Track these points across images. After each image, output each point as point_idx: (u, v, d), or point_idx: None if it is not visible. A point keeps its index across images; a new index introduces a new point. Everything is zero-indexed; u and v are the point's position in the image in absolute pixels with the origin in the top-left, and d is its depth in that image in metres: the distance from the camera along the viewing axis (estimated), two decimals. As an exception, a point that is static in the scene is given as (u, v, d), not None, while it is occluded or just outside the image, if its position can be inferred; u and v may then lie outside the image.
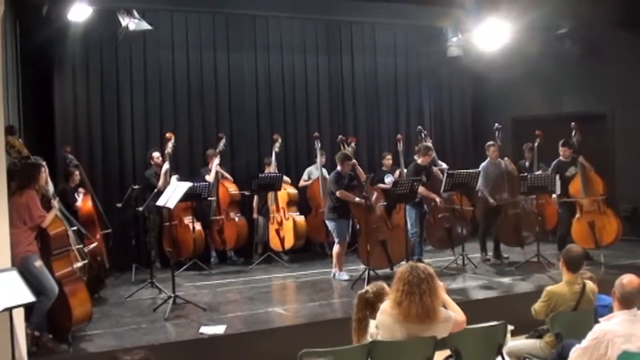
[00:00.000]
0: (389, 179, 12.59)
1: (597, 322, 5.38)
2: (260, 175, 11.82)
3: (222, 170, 12.06)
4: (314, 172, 12.68)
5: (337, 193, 10.16)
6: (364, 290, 5.44)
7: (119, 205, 10.61)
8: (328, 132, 13.48)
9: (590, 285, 6.32)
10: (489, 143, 11.72)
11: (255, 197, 12.41)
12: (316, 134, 12.63)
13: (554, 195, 11.16)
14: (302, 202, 12.62)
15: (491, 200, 11.34)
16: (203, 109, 12.71)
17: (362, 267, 10.14)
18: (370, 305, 5.27)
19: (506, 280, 10.15)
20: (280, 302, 9.48)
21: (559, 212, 11.83)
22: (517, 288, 9.66)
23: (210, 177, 11.73)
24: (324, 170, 12.34)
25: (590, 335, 5.05)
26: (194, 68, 12.65)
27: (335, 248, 10.42)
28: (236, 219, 12.07)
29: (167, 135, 11.19)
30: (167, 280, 9.08)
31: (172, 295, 8.68)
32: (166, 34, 12.40)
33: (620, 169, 13.65)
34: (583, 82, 13.90)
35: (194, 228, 10.92)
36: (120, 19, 10.68)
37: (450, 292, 5.32)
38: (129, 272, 10.92)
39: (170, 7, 11.75)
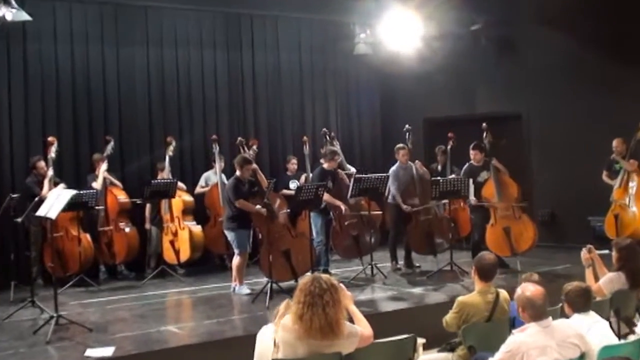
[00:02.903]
0: (294, 185, 12.62)
1: (511, 333, 5.48)
2: (152, 181, 11.68)
3: (110, 177, 11.85)
4: (212, 178, 12.61)
5: (236, 203, 10.07)
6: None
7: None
8: (227, 134, 13.42)
9: (504, 294, 6.44)
10: (398, 146, 11.83)
11: (147, 206, 12.25)
12: (214, 136, 12.55)
13: (472, 198, 11.31)
14: (199, 211, 12.52)
15: (404, 207, 11.46)
16: (89, 108, 12.44)
17: (265, 279, 10.07)
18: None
19: (418, 290, 10.25)
20: (174, 320, 9.32)
21: (471, 218, 12.07)
22: (429, 299, 9.75)
23: (97, 184, 11.48)
24: (223, 176, 12.28)
25: (504, 348, 5.12)
26: (79, 64, 12.36)
27: (235, 260, 10.32)
28: (126, 230, 11.86)
29: (50, 139, 10.90)
30: (50, 298, 8.81)
31: (55, 315, 8.42)
32: (48, 25, 12.06)
33: (537, 171, 14.06)
34: (498, 81, 14.27)
35: (80, 240, 10.66)
36: (-5, 8, 10.33)
37: (358, 304, 5.31)
38: (7, 291, 10.52)
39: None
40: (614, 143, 11.89)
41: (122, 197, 11.91)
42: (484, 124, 11.78)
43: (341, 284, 5.10)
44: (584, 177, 12.90)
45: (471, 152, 11.60)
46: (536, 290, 5.26)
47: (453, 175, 12.34)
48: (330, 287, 4.91)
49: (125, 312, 9.58)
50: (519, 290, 5.34)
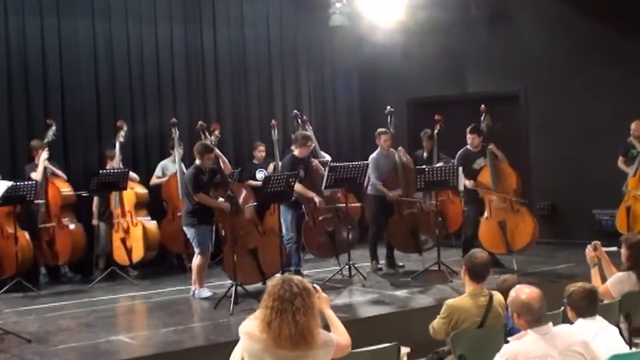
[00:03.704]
0: (261, 175, 12.59)
1: (506, 341, 5.48)
2: (100, 171, 11.63)
3: (51, 166, 11.79)
4: (169, 167, 12.58)
5: (195, 197, 10.05)
6: None
7: None
8: (186, 118, 13.38)
9: (499, 297, 6.43)
10: (379, 130, 11.82)
11: (95, 199, 12.23)
12: (172, 119, 12.48)
13: (466, 182, 11.32)
14: (155, 204, 12.49)
15: (391, 194, 11.49)
16: (27, 88, 12.36)
17: (229, 282, 10.07)
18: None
19: (401, 293, 10.26)
20: (126, 329, 9.26)
21: (464, 210, 12.08)
22: (414, 302, 9.76)
23: (36, 175, 11.44)
24: (182, 165, 12.24)
25: (499, 357, 5.12)
26: (14, 37, 12.27)
27: (196, 260, 10.30)
28: (70, 227, 11.79)
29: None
30: (-18, 306, 8.78)
31: (-13, 324, 8.38)
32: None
33: (536, 159, 14.08)
34: (491, 56, 14.27)
35: (17, 239, 10.61)
36: None
37: (333, 309, 5.28)
38: None
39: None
40: (633, 126, 11.92)
41: (66, 189, 11.83)
42: (482, 106, 11.80)
43: (316, 286, 5.07)
44: (589, 164, 12.98)
45: (468, 135, 11.60)
46: (532, 293, 5.25)
47: (441, 164, 12.34)
48: (303, 291, 4.87)
49: (70, 321, 9.51)
50: (512, 294, 5.34)
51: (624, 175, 11.98)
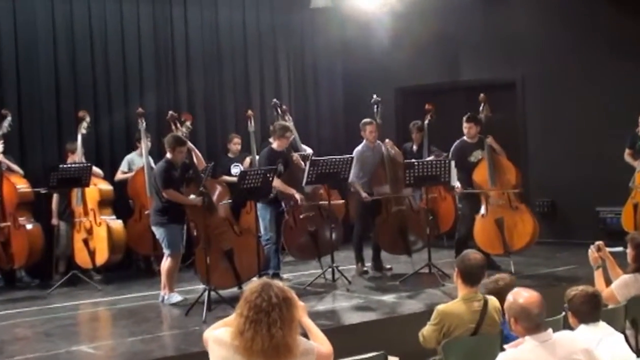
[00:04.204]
0: (236, 169, 12.63)
1: (502, 349, 5.47)
2: (61, 166, 11.59)
3: (6, 161, 11.78)
4: (136, 161, 12.58)
5: (165, 193, 10.03)
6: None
7: None
8: (154, 107, 13.36)
9: (494, 302, 6.42)
10: (364, 121, 11.82)
11: (55, 197, 12.22)
12: (139, 109, 12.44)
13: (456, 183, 11.33)
14: (120, 202, 12.50)
15: (363, 195, 11.48)
16: (-22, 76, 12.34)
17: (202, 286, 10.04)
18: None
19: (389, 298, 10.27)
20: (88, 339, 9.24)
21: (457, 208, 12.07)
22: (402, 308, 9.76)
23: (-10, 170, 11.40)
24: (150, 159, 12.25)
25: (495, 367, 5.13)
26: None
27: (165, 263, 10.29)
28: (28, 227, 11.76)
29: None
30: None
31: None
32: None
33: (534, 152, 14.11)
34: (486, 41, 14.28)
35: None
36: None
37: (315, 316, 5.28)
38: None
39: None
40: None
41: (22, 185, 11.81)
42: (481, 95, 11.80)
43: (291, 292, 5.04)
44: (592, 158, 13.02)
45: (465, 124, 11.61)
46: (531, 297, 5.26)
47: (432, 157, 12.35)
48: (283, 301, 4.82)
49: (27, 329, 9.49)
50: (509, 298, 5.34)
51: (630, 170, 11.98)
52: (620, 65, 12.91)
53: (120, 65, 13.39)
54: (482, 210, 11.55)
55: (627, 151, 12.11)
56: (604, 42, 13.12)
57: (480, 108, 11.73)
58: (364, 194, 11.50)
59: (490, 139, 11.50)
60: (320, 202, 11.57)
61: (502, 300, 5.85)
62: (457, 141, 11.71)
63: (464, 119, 11.63)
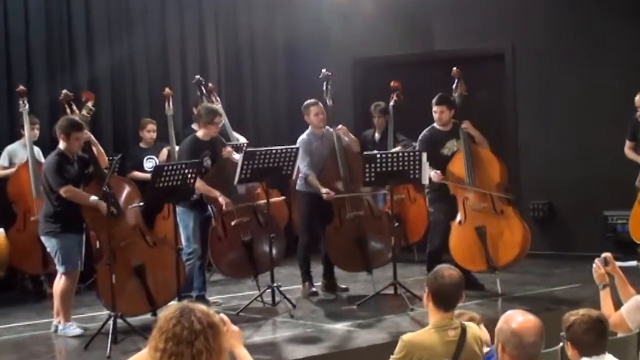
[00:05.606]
0: (150, 163, 12.67)
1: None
2: None
3: None
4: (19, 153, 12.47)
5: (61, 191, 9.95)
6: None
7: None
8: (44, 84, 13.34)
9: (474, 330, 6.42)
10: (307, 102, 11.83)
11: None
12: (21, 87, 12.30)
13: (432, 173, 11.31)
14: (0, 206, 12.38)
15: (324, 190, 11.47)
16: None
17: (106, 313, 10.03)
18: None
19: (343, 326, 10.29)
20: (-40, 379, 9.21)
21: (429, 212, 12.10)
22: (359, 339, 9.78)
23: None
24: (38, 150, 12.20)
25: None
26: None
27: (59, 283, 10.21)
28: None
29: None
30: None
31: None
32: None
33: (526, 141, 14.20)
34: (466, 3, 14.31)
35: None
36: None
37: (251, 349, 5.25)
38: None
39: None
40: (637, 98, 11.97)
41: None
42: (454, 69, 11.81)
43: (223, 317, 5.01)
44: (598, 151, 13.10)
45: (434, 108, 11.62)
46: (527, 322, 5.26)
47: (398, 148, 12.38)
48: (208, 327, 4.80)
49: None
50: (501, 320, 5.33)
51: (636, 167, 12.09)
52: (627, 34, 13.04)
53: (1, 34, 13.26)
54: (459, 216, 11.56)
55: (627, 144, 12.23)
56: (612, 9, 13.25)
57: (454, 86, 11.72)
58: (324, 190, 11.49)
59: (466, 123, 11.50)
60: (257, 204, 11.54)
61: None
62: (426, 129, 11.71)
63: (433, 101, 11.63)
